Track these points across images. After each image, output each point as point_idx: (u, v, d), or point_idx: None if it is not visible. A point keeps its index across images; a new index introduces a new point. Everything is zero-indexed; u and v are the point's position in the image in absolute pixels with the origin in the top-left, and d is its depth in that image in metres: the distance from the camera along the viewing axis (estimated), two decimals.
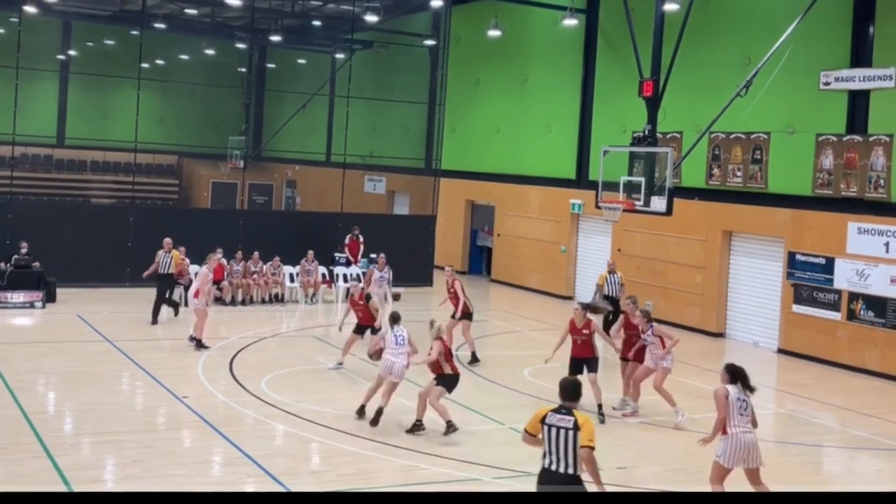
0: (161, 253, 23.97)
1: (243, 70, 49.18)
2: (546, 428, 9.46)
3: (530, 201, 33.60)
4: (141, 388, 17.88)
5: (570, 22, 30.12)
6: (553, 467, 9.41)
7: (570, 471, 9.33)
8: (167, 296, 24.38)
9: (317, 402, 16.89)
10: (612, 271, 24.87)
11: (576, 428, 9.37)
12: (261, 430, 15.34)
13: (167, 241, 24.34)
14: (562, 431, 9.36)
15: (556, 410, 9.56)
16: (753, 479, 11.84)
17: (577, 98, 31.91)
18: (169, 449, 14.19)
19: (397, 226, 34.96)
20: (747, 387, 11.78)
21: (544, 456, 9.52)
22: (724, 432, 11.67)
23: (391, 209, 41.75)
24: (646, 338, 16.92)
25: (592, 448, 9.38)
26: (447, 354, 15.27)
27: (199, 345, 20.81)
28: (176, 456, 13.88)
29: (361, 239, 30.68)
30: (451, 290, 21.02)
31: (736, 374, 11.85)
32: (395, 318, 15.98)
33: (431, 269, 32.83)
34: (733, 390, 11.75)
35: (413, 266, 30.90)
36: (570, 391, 9.83)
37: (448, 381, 15.19)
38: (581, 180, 31.45)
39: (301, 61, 50.02)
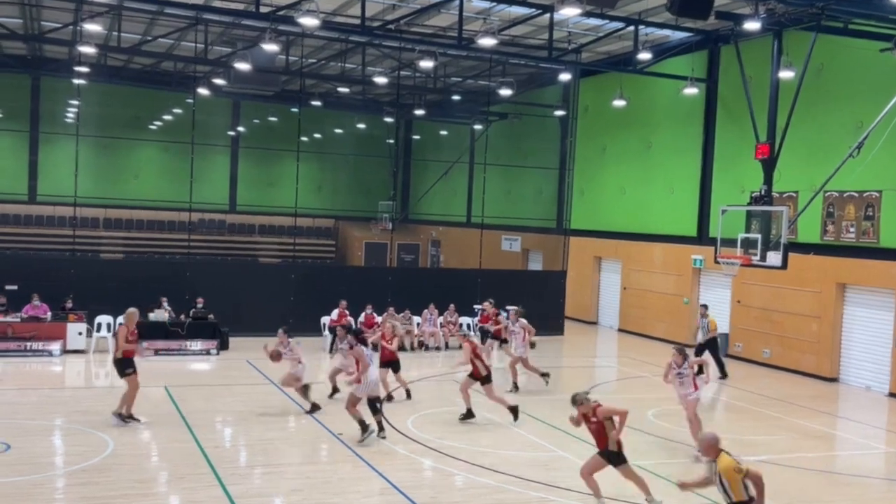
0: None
1: (391, 141, 50.48)
2: None
3: (654, 257, 33.43)
4: (304, 425, 18.22)
5: (691, 91, 29.90)
6: None
7: None
8: None
9: (455, 439, 17.06)
10: (703, 315, 25.11)
11: None
12: (408, 464, 15.47)
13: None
14: None
15: None
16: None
17: (697, 161, 31.74)
18: (326, 479, 14.37)
19: (532, 280, 35.20)
20: None
21: None
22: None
23: (526, 265, 41.93)
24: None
25: None
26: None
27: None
28: (332, 486, 14.02)
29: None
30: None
31: None
32: None
33: (563, 320, 32.93)
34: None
35: (546, 317, 31.02)
36: None
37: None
38: (702, 237, 31.19)
39: (443, 132, 50.86)
